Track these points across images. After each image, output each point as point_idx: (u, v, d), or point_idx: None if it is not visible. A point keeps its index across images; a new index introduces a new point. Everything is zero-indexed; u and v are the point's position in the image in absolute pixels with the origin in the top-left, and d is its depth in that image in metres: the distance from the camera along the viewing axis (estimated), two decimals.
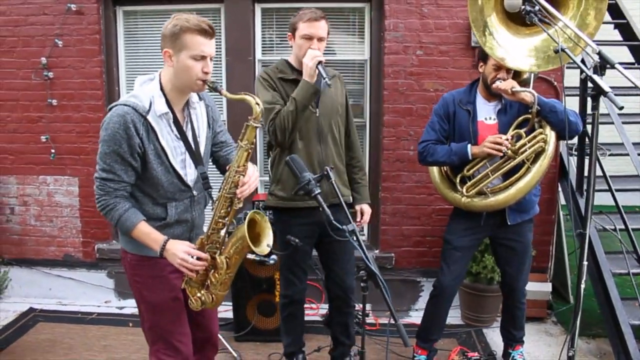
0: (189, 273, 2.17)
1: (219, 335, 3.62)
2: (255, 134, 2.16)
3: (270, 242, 2.26)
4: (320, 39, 2.79)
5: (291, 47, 2.92)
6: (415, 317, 4.18)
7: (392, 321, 2.06)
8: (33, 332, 3.91)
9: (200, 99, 2.31)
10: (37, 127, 4.28)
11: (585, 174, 3.77)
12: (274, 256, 3.65)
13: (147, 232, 2.14)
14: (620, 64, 2.29)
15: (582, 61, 2.99)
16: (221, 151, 2.47)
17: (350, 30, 4.29)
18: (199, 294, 2.26)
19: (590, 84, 2.29)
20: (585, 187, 3.78)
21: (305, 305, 4.13)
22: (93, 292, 4.42)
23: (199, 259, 2.16)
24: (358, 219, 3.15)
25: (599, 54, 2.35)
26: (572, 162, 3.97)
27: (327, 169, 2.21)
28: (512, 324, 3.37)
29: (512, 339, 3.40)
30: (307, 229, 2.96)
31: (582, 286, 2.46)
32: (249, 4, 4.13)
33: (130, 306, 4.32)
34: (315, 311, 4.30)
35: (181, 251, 2.12)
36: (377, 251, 4.29)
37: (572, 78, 4.05)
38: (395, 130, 4.14)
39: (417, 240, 4.27)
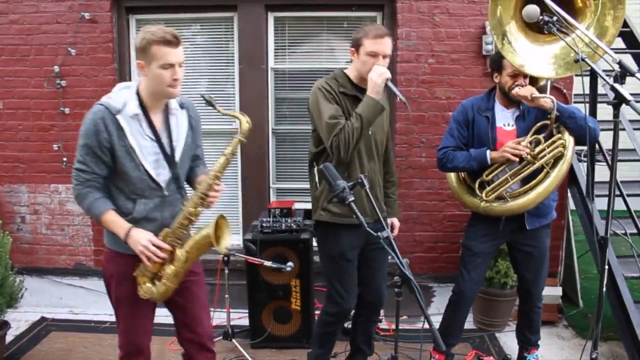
0: (146, 262, 2.27)
1: (235, 342, 3.68)
2: (237, 147, 2.39)
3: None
4: (385, 56, 2.75)
5: (351, 60, 2.87)
6: (427, 322, 4.20)
7: (427, 326, 2.07)
8: (47, 342, 3.89)
9: (182, 107, 2.45)
10: (49, 135, 4.28)
11: (596, 179, 3.88)
12: (290, 263, 3.70)
13: (114, 220, 2.28)
14: None
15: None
16: (192, 162, 2.59)
17: None
18: (149, 284, 2.34)
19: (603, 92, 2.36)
20: (595, 192, 3.86)
21: (317, 312, 4.19)
22: (105, 301, 4.25)
23: (159, 249, 2.27)
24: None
25: (619, 63, 2.42)
26: (581, 168, 4.04)
27: (362, 177, 2.23)
28: (528, 328, 3.41)
29: (528, 342, 3.44)
30: (356, 240, 2.92)
31: (604, 289, 2.52)
32: (262, 12, 4.17)
33: None
34: None
35: (144, 239, 2.25)
36: (389, 257, 4.31)
37: (580, 85, 4.13)
38: (407, 138, 4.19)
39: (429, 246, 4.31)
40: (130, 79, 4.31)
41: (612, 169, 2.46)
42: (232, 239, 3.16)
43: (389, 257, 2.88)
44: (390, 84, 2.70)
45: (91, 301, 4.40)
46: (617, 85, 2.31)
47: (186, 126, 2.44)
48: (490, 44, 3.99)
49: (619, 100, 2.30)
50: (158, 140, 2.33)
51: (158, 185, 2.36)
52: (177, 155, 2.40)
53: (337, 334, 3.19)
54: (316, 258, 3.90)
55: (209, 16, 4.26)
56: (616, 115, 2.35)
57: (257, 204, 4.35)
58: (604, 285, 2.56)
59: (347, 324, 4.00)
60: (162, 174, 2.36)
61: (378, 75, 2.68)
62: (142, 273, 2.35)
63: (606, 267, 2.53)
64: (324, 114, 2.73)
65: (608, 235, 2.48)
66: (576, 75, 4.01)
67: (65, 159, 4.27)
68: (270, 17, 4.26)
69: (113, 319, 4.18)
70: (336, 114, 2.73)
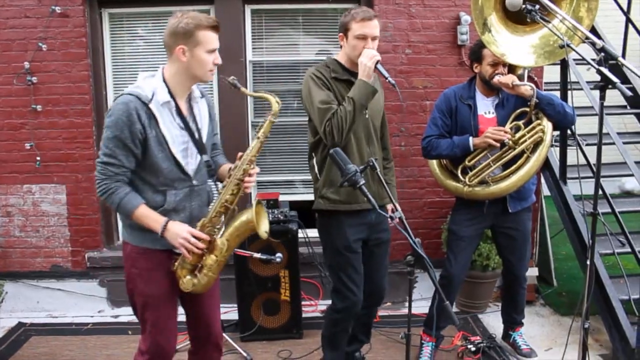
0: (186, 254, 2.23)
1: (226, 336, 3.67)
2: (270, 129, 2.36)
3: (267, 229, 2.42)
4: (374, 38, 2.76)
5: (340, 47, 2.88)
6: (413, 308, 4.29)
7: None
8: (28, 347, 3.77)
9: (202, 95, 2.44)
10: (21, 134, 4.14)
11: (569, 163, 4.05)
12: (279, 254, 3.71)
13: (147, 214, 2.22)
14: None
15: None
16: (210, 152, 2.54)
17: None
18: (190, 276, 2.30)
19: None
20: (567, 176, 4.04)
21: (304, 302, 4.23)
22: (84, 303, 4.30)
23: (199, 240, 2.23)
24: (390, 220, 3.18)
25: (603, 48, 2.54)
26: (553, 153, 4.20)
27: (372, 160, 2.27)
28: (513, 308, 3.55)
29: (514, 321, 3.59)
30: (359, 230, 2.92)
31: (588, 263, 2.64)
32: (239, 5, 4.15)
33: (125, 314, 4.23)
34: (314, 307, 4.35)
35: (184, 231, 2.21)
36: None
37: (550, 74, 4.31)
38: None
39: (412, 233, 4.38)
40: (104, 75, 4.22)
41: (599, 152, 2.57)
42: None
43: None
44: (380, 66, 2.72)
45: (71, 304, 4.30)
46: (602, 69, 2.42)
47: (207, 115, 2.43)
48: (464, 34, 4.10)
49: (605, 83, 2.41)
50: (187, 127, 2.30)
51: (187, 175, 2.32)
52: (204, 142, 2.38)
53: (349, 331, 3.14)
54: (302, 249, 3.96)
55: (184, 9, 4.17)
56: (602, 97, 2.46)
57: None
58: (587, 264, 2.68)
59: None
60: (190, 163, 2.32)
61: (369, 58, 2.69)
62: (182, 266, 2.30)
63: (589, 242, 2.65)
64: (315, 100, 2.74)
65: (597, 211, 2.60)
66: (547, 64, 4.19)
67: (38, 158, 4.14)
68: (247, 9, 4.24)
69: (95, 320, 4.21)
70: (328, 100, 2.73)
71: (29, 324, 4.12)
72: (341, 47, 2.89)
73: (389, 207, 3.13)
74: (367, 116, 2.86)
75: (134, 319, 3.94)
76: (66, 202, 4.22)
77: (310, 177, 3.05)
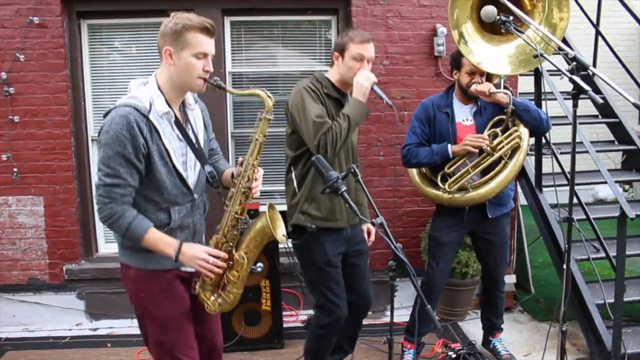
0: (208, 274, 2.12)
1: None
2: (267, 126, 2.19)
3: (284, 231, 2.32)
4: (369, 60, 2.80)
5: (331, 65, 2.90)
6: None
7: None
8: None
9: (195, 101, 2.30)
10: None
11: (544, 171, 4.14)
12: (260, 264, 3.71)
13: (159, 237, 2.08)
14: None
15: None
16: (210, 158, 2.43)
17: (317, 42, 4.44)
18: (213, 297, 2.22)
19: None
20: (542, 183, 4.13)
21: (285, 313, 4.22)
22: (62, 316, 4.23)
23: (217, 258, 2.13)
24: (367, 239, 3.18)
25: (575, 58, 2.63)
26: (529, 161, 4.29)
27: (354, 167, 2.29)
28: (493, 312, 3.59)
29: (493, 326, 3.63)
30: (337, 245, 2.93)
31: (564, 268, 2.70)
32: (218, 16, 4.17)
33: (104, 327, 4.19)
34: (295, 317, 4.35)
35: (201, 251, 2.10)
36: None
37: (525, 85, 4.42)
38: (365, 137, 4.30)
39: None
40: (83, 86, 4.20)
41: (573, 158, 2.63)
42: None
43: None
44: (376, 87, 2.76)
45: (48, 317, 4.23)
46: (575, 77, 2.50)
47: (202, 122, 2.30)
48: (441, 46, 4.18)
49: (578, 91, 2.49)
50: (187, 138, 2.16)
51: (189, 189, 2.19)
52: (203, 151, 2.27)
53: (333, 343, 3.13)
54: (282, 259, 3.95)
55: (163, 21, 4.20)
56: (575, 105, 2.54)
57: (219, 207, 4.32)
58: (563, 268, 2.73)
59: None
60: (190, 176, 2.19)
61: (365, 79, 2.74)
62: (203, 288, 2.21)
63: (566, 245, 2.71)
64: (311, 113, 2.70)
65: (572, 216, 2.66)
66: (520, 75, 4.30)
67: (15, 169, 4.09)
68: (227, 21, 4.27)
69: (73, 333, 4.15)
70: (323, 114, 2.71)
71: (4, 339, 4.04)
72: (331, 65, 2.91)
73: (365, 227, 3.15)
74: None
75: (113, 331, 3.91)
76: (44, 213, 4.17)
77: (278, 189, 3.01)
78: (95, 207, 2.08)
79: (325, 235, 2.88)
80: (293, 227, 2.93)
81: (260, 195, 4.35)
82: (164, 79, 2.10)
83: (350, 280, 3.06)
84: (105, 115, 2.05)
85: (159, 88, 2.09)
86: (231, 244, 2.20)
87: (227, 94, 4.25)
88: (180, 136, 2.15)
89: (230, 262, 2.20)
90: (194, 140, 2.20)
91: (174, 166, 2.12)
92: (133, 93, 2.08)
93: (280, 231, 2.29)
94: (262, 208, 4.00)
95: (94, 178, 4.21)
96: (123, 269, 2.22)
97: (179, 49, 2.03)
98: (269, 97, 2.18)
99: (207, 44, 2.06)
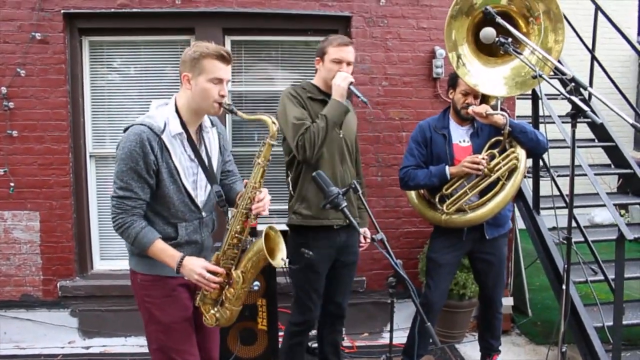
0: (206, 287, 2.21)
1: None
2: (270, 152, 2.30)
3: (284, 256, 2.35)
4: (348, 63, 2.94)
5: (316, 70, 3.05)
6: (388, 338, 4.27)
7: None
8: None
9: (212, 125, 2.43)
10: None
11: (542, 193, 4.15)
12: (257, 282, 3.68)
13: (164, 249, 2.20)
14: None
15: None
16: (226, 179, 2.56)
17: None
18: (212, 311, 2.30)
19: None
20: (541, 205, 4.14)
21: (281, 333, 4.16)
22: (55, 333, 4.17)
23: (215, 274, 2.21)
24: (362, 242, 3.30)
25: (573, 79, 2.66)
26: (527, 183, 4.31)
27: (355, 183, 2.32)
28: (490, 334, 3.56)
29: (490, 348, 3.60)
30: (326, 253, 3.03)
31: (564, 287, 2.68)
32: (219, 36, 4.20)
33: (97, 345, 4.13)
34: None
35: (199, 266, 2.18)
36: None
37: (522, 110, 4.45)
38: (364, 158, 4.27)
39: (387, 264, 4.33)
40: (82, 102, 4.21)
41: (572, 178, 2.64)
42: None
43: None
44: (353, 87, 2.88)
45: (40, 335, 4.17)
46: (573, 98, 2.52)
47: (217, 145, 2.41)
48: (440, 67, 4.23)
49: (576, 112, 2.51)
50: (199, 158, 2.28)
51: (197, 208, 2.31)
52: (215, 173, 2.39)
53: (305, 346, 3.25)
54: (280, 278, 3.93)
55: (165, 39, 4.24)
56: (574, 125, 2.55)
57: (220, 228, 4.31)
58: (562, 290, 2.72)
59: (312, 343, 4.01)
60: (199, 195, 2.31)
61: (342, 80, 2.87)
62: (204, 301, 2.29)
63: (565, 266, 2.70)
64: (290, 116, 2.85)
65: (570, 235, 2.65)
66: (517, 98, 4.34)
67: (12, 184, 4.06)
68: (227, 40, 4.31)
69: (66, 351, 4.08)
70: (302, 116, 2.86)
71: None
72: (316, 71, 3.04)
73: (362, 231, 3.23)
74: (341, 135, 3.00)
75: (106, 350, 3.86)
76: (39, 229, 4.13)
77: (284, 207, 3.11)
78: (110, 216, 2.23)
79: (314, 236, 2.96)
80: (289, 227, 3.09)
81: (269, 215, 4.41)
82: (182, 102, 2.26)
83: (332, 289, 3.18)
84: (124, 131, 2.22)
85: (177, 110, 2.25)
86: (231, 261, 2.29)
87: (226, 115, 4.30)
88: (193, 156, 2.28)
89: (230, 280, 2.28)
90: (206, 162, 2.33)
91: (183, 185, 2.25)
92: (151, 113, 2.25)
93: (280, 255, 2.34)
94: (260, 227, 4.03)
95: (92, 194, 4.27)
96: (131, 275, 2.36)
97: (196, 74, 2.18)
98: (274, 122, 2.30)
99: (223, 70, 2.20)
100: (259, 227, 3.92)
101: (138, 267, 2.31)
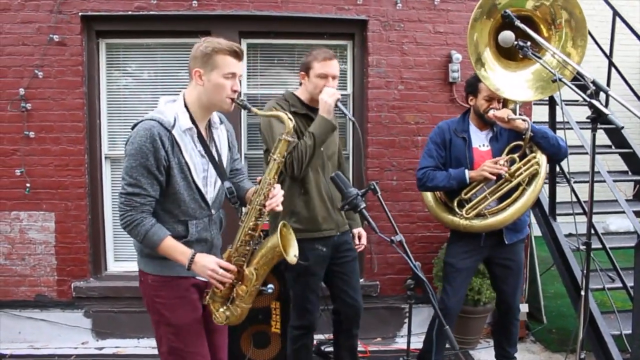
0: (217, 285, 2.19)
1: None
2: (286, 148, 2.29)
3: (297, 253, 2.36)
4: (334, 77, 2.92)
5: (300, 84, 3.04)
6: (402, 343, 4.26)
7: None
8: None
9: (220, 122, 2.40)
10: (12, 160, 4.09)
11: (558, 199, 4.12)
12: (271, 285, 3.66)
13: (174, 246, 2.17)
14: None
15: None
16: (235, 177, 2.52)
17: None
18: (222, 309, 2.27)
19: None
20: (557, 211, 4.10)
21: None
22: (68, 334, 4.18)
23: (227, 271, 2.19)
24: (357, 243, 3.30)
25: (594, 82, 2.63)
26: (543, 190, 4.26)
27: (374, 184, 2.31)
28: (507, 341, 3.52)
29: (507, 355, 3.55)
30: (321, 255, 3.03)
31: (582, 293, 2.65)
32: (235, 38, 4.20)
33: (109, 346, 4.13)
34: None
35: (212, 262, 2.16)
36: (362, 279, 4.37)
37: (538, 117, 4.42)
38: (379, 162, 4.30)
39: (401, 268, 4.39)
40: (99, 103, 4.23)
41: (592, 184, 2.61)
42: None
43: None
44: (340, 104, 2.86)
45: (54, 335, 4.18)
46: (594, 101, 2.50)
47: (226, 142, 2.40)
48: (456, 72, 4.21)
49: (597, 115, 2.49)
50: (209, 154, 2.26)
51: (207, 205, 2.29)
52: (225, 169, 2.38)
53: (310, 349, 3.23)
54: None
55: (181, 42, 4.25)
56: (594, 129, 2.53)
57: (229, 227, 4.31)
58: (580, 296, 2.69)
59: (324, 347, 3.99)
60: (209, 192, 2.29)
61: (329, 96, 2.84)
62: (213, 299, 2.27)
63: (584, 272, 2.67)
64: (276, 133, 2.77)
65: (590, 241, 2.63)
66: (534, 103, 4.31)
67: (28, 185, 4.09)
68: (244, 43, 4.31)
69: (79, 352, 4.09)
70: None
71: (9, 356, 3.98)
72: (300, 84, 3.03)
73: (355, 232, 3.28)
74: (322, 149, 2.98)
75: (119, 351, 3.86)
76: (54, 229, 4.15)
77: None
78: (118, 213, 2.19)
79: (307, 246, 2.93)
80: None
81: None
82: (192, 98, 2.23)
83: (336, 288, 3.17)
84: (132, 128, 2.18)
85: (186, 106, 2.22)
86: (243, 258, 2.27)
87: (242, 118, 4.32)
88: (203, 152, 2.25)
89: (241, 277, 2.26)
90: (216, 158, 2.31)
91: (193, 181, 2.21)
92: (160, 108, 2.22)
93: (292, 251, 2.33)
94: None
95: (106, 195, 4.28)
96: (141, 276, 2.32)
97: (208, 70, 2.16)
98: (290, 119, 2.29)
99: (235, 66, 2.19)
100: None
101: (148, 268, 2.28)
